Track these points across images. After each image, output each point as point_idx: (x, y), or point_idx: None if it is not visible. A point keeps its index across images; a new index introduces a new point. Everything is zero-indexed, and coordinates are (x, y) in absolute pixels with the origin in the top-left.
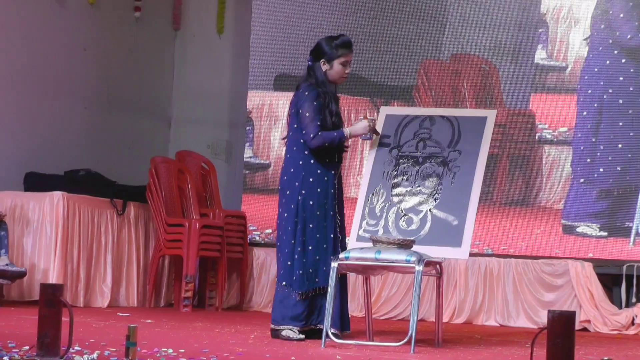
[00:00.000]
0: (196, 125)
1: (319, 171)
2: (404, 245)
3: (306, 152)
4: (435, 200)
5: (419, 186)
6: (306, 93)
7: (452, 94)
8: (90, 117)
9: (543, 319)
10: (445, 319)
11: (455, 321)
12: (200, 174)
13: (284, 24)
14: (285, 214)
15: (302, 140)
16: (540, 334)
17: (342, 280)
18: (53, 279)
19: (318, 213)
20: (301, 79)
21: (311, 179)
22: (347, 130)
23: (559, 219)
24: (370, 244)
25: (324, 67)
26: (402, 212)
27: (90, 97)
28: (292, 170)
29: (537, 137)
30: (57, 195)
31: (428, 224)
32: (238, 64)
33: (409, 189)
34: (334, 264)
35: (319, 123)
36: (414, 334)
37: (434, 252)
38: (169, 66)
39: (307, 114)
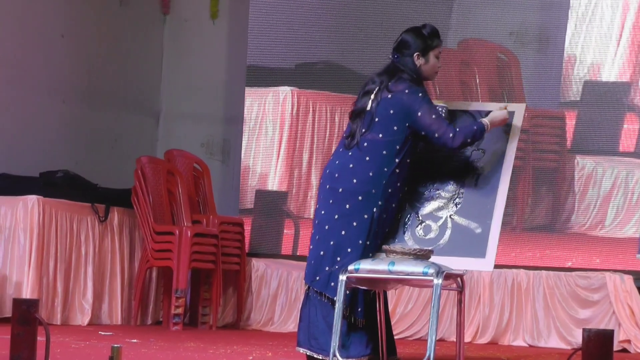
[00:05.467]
0: (188, 121)
1: (398, 184)
2: (421, 255)
3: (397, 160)
4: (456, 205)
5: (437, 189)
6: (419, 95)
7: (461, 90)
8: (69, 112)
9: (577, 338)
10: (467, 339)
11: (479, 341)
12: (192, 176)
13: (285, 6)
14: (355, 223)
15: (402, 148)
16: (574, 356)
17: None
18: (27, 293)
19: (387, 230)
20: (385, 78)
21: (390, 190)
22: (486, 120)
23: (594, 247)
24: (382, 255)
25: (419, 61)
26: (419, 218)
27: (69, 90)
28: (370, 174)
29: (568, 146)
30: (32, 199)
31: (448, 232)
32: (235, 52)
33: (426, 192)
34: (342, 277)
35: (448, 122)
36: (432, 356)
37: (455, 263)
38: (158, 55)
39: (433, 116)
